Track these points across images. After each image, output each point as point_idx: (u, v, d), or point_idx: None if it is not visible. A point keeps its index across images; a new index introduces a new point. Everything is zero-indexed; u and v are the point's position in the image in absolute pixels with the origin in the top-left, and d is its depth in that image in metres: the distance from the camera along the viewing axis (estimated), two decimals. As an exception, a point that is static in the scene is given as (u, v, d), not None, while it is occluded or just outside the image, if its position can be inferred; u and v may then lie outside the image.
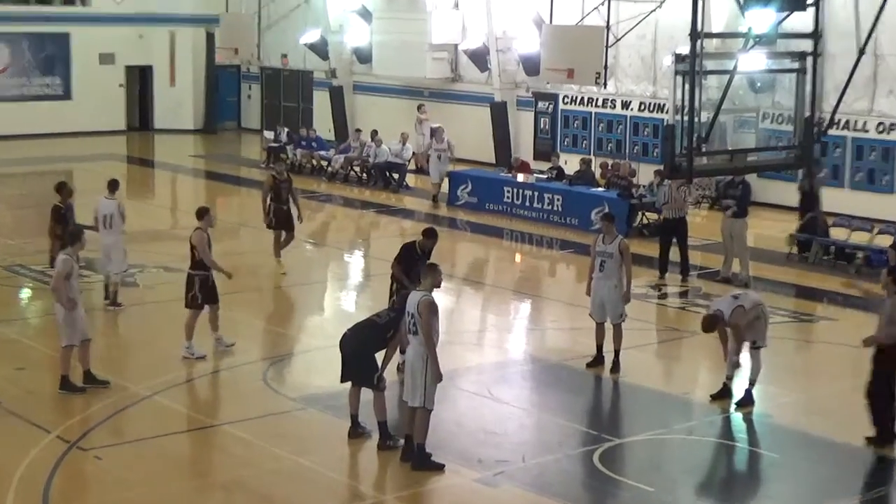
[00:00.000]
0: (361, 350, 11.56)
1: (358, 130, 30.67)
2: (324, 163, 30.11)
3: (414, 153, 29.67)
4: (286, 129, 32.00)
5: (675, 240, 19.41)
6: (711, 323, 12.90)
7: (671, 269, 19.44)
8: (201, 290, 14.49)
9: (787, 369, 14.88)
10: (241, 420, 12.49)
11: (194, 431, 12.48)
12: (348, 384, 11.81)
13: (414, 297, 11.02)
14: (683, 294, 18.77)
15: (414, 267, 13.03)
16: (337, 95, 35.00)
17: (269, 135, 33.09)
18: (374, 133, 29.00)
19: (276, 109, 38.15)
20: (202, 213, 14.71)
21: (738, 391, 13.26)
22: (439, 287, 11.25)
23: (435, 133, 27.19)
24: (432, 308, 10.90)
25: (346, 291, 19.45)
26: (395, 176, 28.38)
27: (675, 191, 19.29)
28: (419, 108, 31.64)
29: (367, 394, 11.69)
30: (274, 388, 13.60)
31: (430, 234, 13.79)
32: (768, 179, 24.90)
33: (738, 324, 12.85)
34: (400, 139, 28.72)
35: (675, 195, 19.32)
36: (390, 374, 12.09)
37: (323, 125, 34.43)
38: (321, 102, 36.07)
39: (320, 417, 12.58)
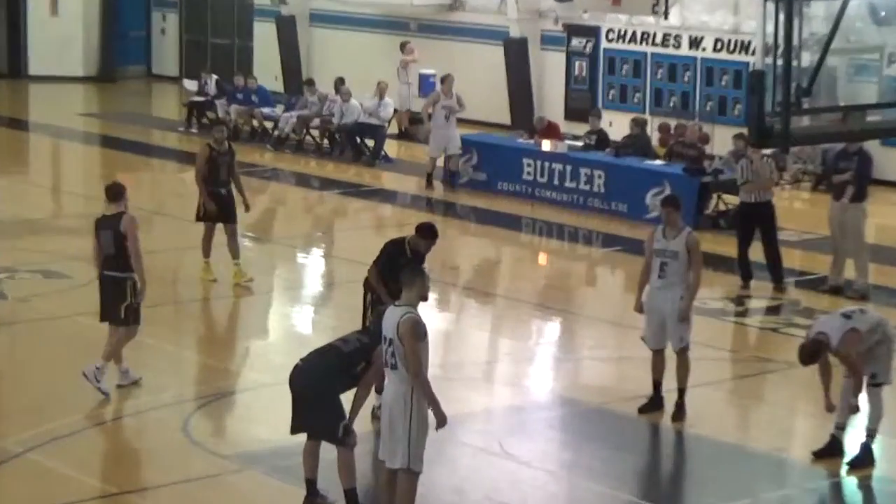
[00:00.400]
0: (320, 389, 11.60)
1: (310, 81, 30.60)
2: (268, 124, 30.20)
3: (396, 111, 29.72)
4: (215, 77, 32.04)
5: (758, 233, 19.47)
6: (814, 351, 12.88)
7: (758, 273, 19.50)
8: (138, 298, 14.51)
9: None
10: (152, 487, 12.53)
11: (86, 503, 12.54)
12: (302, 437, 11.88)
13: (392, 316, 11.04)
14: (774, 309, 18.85)
15: (399, 273, 13.07)
16: (287, 29, 35.03)
17: (190, 85, 33.15)
18: (340, 82, 29.04)
19: (200, 49, 38.19)
20: (120, 192, 14.55)
21: (851, 446, 13.35)
22: (426, 300, 11.31)
23: (443, 83, 26.61)
24: (417, 329, 10.91)
25: (300, 306, 19.50)
26: (370, 143, 28.47)
27: (757, 163, 19.34)
28: (403, 47, 31.69)
29: (329, 450, 11.76)
30: (199, 443, 13.63)
31: (426, 233, 13.77)
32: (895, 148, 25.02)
33: (848, 353, 12.88)
34: (376, 91, 28.75)
35: (758, 169, 19.36)
36: (362, 422, 12.14)
37: (267, 72, 34.49)
38: (265, 39, 36.10)
39: (264, 482, 12.63)
